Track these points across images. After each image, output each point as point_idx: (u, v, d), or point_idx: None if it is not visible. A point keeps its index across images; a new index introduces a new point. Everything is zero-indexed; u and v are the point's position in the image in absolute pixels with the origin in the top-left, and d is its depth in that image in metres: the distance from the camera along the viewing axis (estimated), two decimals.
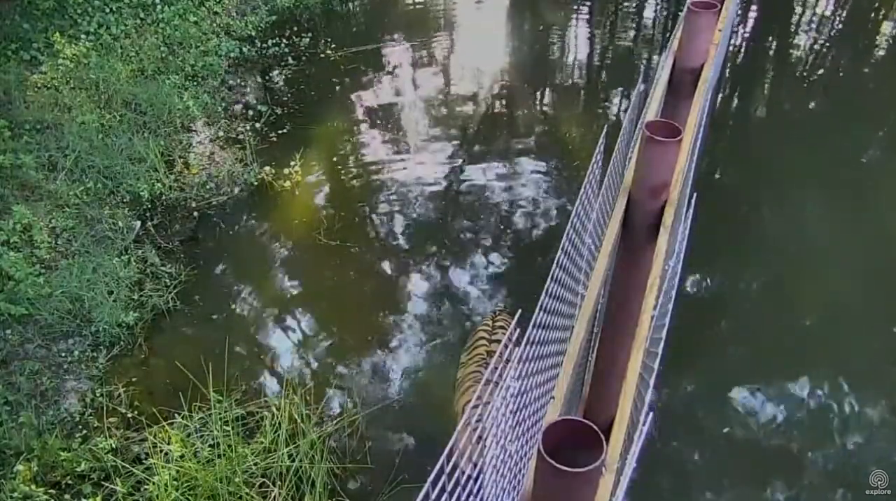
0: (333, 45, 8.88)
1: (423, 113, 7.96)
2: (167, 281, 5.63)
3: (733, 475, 4.46)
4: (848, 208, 6.39)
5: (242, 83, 8.23)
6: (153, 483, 4.03)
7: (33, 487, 4.07)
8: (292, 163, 6.80)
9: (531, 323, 1.54)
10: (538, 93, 8.51)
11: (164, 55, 7.78)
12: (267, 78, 8.41)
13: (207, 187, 6.57)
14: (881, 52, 9.22)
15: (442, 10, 10.21)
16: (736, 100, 8.52)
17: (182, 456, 4.14)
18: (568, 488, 1.12)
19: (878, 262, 5.87)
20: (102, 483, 4.20)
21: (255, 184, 6.68)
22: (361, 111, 7.98)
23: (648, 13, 10.30)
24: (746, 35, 9.58)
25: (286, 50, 8.65)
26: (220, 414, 4.43)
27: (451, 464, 1.26)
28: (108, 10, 7.90)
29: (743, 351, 5.20)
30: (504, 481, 1.53)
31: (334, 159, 7.24)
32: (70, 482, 4.24)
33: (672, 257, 2.01)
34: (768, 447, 4.58)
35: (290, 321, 5.46)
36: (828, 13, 10.15)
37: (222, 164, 6.83)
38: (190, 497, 4.03)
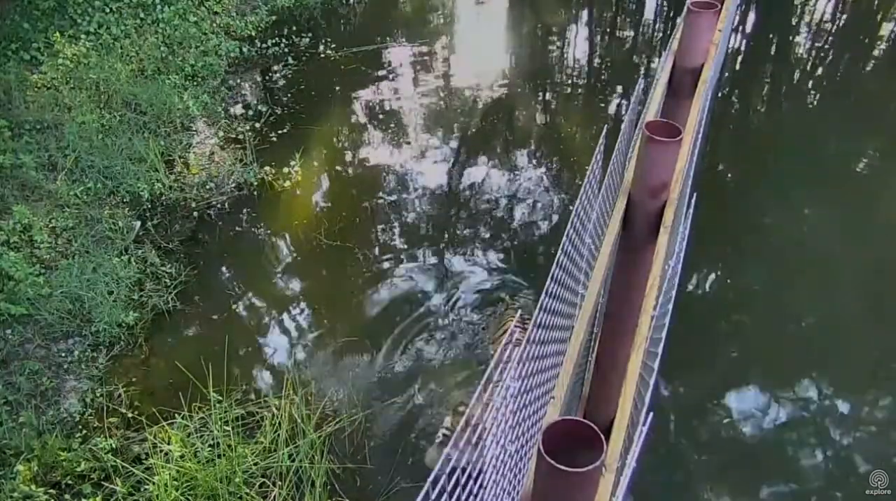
0: (333, 45, 8.88)
1: (423, 112, 7.96)
2: (167, 281, 5.63)
3: (732, 475, 4.45)
4: (848, 208, 6.39)
5: (242, 83, 8.23)
6: (153, 483, 4.03)
7: (33, 487, 4.07)
8: (292, 163, 6.80)
9: (531, 323, 1.54)
10: (538, 93, 8.51)
11: (164, 55, 7.78)
12: (267, 78, 8.41)
13: (207, 187, 6.57)
14: (881, 52, 9.22)
15: (442, 10, 10.21)
16: (736, 101, 8.52)
17: (182, 456, 4.14)
18: (568, 488, 1.12)
19: (878, 263, 5.87)
20: (102, 483, 4.19)
21: (255, 184, 6.68)
22: (361, 111, 7.99)
23: (648, 13, 10.30)
24: (746, 35, 9.58)
25: (286, 50, 8.65)
26: (220, 414, 4.42)
27: (451, 464, 1.26)
28: (108, 10, 7.90)
29: (742, 350, 5.20)
30: (504, 481, 1.53)
31: (334, 159, 7.24)
32: (70, 482, 4.24)
33: (672, 257, 2.01)
34: (768, 447, 4.57)
35: (290, 321, 5.46)
36: (828, 13, 10.16)
37: (222, 164, 6.83)
38: (190, 497, 4.03)
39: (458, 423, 4.03)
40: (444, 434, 4.04)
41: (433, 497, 1.20)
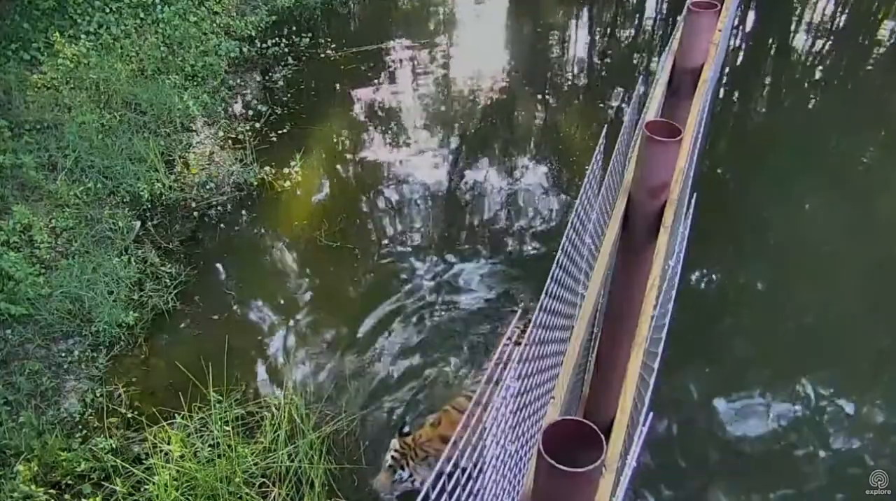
0: (333, 45, 8.88)
1: (423, 113, 7.96)
2: (167, 281, 5.62)
3: (730, 475, 4.45)
4: (848, 207, 6.39)
5: (242, 83, 8.23)
6: (153, 483, 4.03)
7: (33, 487, 4.07)
8: (292, 163, 6.80)
9: (531, 323, 1.54)
10: (538, 93, 8.51)
11: (164, 55, 7.78)
12: (267, 78, 8.41)
13: (207, 187, 6.57)
14: (881, 52, 9.22)
15: (442, 10, 10.21)
16: (736, 101, 8.52)
17: (182, 456, 4.14)
18: (568, 488, 1.12)
19: (879, 262, 5.87)
20: (102, 483, 4.19)
21: (255, 184, 6.67)
22: (361, 111, 7.99)
23: (648, 13, 10.30)
24: (746, 35, 9.58)
25: (286, 50, 8.65)
26: (219, 414, 4.42)
27: (451, 463, 1.26)
28: (108, 10, 7.90)
29: (741, 351, 5.20)
30: (504, 481, 1.53)
31: (334, 159, 7.24)
32: (70, 482, 4.24)
33: (672, 257, 2.01)
34: (767, 446, 4.57)
35: (289, 321, 5.46)
36: (828, 13, 10.16)
37: (222, 164, 6.83)
38: (190, 497, 4.03)
39: (404, 446, 4.03)
40: (392, 458, 4.02)
41: (433, 497, 1.20)
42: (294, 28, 9.12)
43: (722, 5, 2.54)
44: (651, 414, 1.43)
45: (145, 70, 7.53)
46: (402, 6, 10.31)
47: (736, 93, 8.60)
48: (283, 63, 8.51)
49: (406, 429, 4.10)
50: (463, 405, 4.25)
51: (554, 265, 1.68)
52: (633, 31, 9.94)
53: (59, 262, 5.48)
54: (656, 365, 1.72)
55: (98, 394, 4.78)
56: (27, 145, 6.27)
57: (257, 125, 7.45)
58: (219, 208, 6.48)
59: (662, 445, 4.51)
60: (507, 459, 1.52)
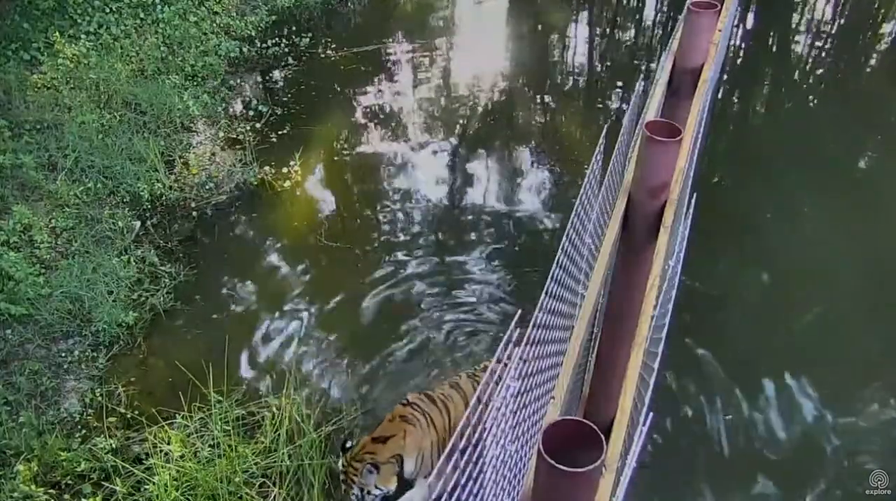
0: (333, 45, 8.88)
1: (423, 113, 7.96)
2: (167, 280, 5.62)
3: (728, 475, 4.45)
4: (848, 207, 6.39)
5: (242, 83, 8.23)
6: (153, 483, 4.03)
7: (33, 487, 4.07)
8: (292, 163, 6.80)
9: (531, 323, 1.54)
10: (538, 94, 8.51)
11: (164, 55, 7.78)
12: (267, 78, 8.41)
13: (207, 187, 6.57)
14: (881, 53, 9.22)
15: (442, 10, 10.21)
16: (736, 101, 8.52)
17: (182, 456, 4.14)
18: (568, 488, 1.12)
19: (878, 262, 5.87)
20: (102, 483, 4.19)
21: (255, 184, 6.67)
22: (361, 111, 7.98)
23: (648, 13, 10.30)
24: (746, 35, 9.58)
25: (286, 50, 8.65)
26: (220, 414, 4.42)
27: (451, 463, 1.26)
28: (108, 10, 7.90)
29: (739, 351, 5.19)
30: (504, 481, 1.53)
31: (334, 159, 7.24)
32: (70, 482, 4.24)
33: (672, 257, 2.01)
34: (765, 447, 4.57)
35: (289, 321, 5.46)
36: (828, 13, 10.16)
37: (222, 164, 6.83)
38: (190, 497, 4.02)
39: (344, 465, 3.95)
40: (343, 483, 3.98)
41: (433, 497, 1.20)
42: (294, 28, 9.12)
43: (722, 5, 2.54)
44: (651, 414, 1.44)
45: (145, 70, 7.53)
46: (402, 6, 10.31)
47: (736, 93, 8.60)
48: (283, 63, 8.51)
49: (349, 444, 4.08)
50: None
51: (554, 265, 1.68)
52: (633, 31, 9.94)
53: (59, 262, 5.48)
54: (656, 365, 1.72)
55: (98, 394, 4.78)
56: (27, 145, 6.27)
57: (257, 125, 7.45)
58: (219, 208, 6.48)
59: (658, 445, 4.51)
60: (507, 459, 1.52)
